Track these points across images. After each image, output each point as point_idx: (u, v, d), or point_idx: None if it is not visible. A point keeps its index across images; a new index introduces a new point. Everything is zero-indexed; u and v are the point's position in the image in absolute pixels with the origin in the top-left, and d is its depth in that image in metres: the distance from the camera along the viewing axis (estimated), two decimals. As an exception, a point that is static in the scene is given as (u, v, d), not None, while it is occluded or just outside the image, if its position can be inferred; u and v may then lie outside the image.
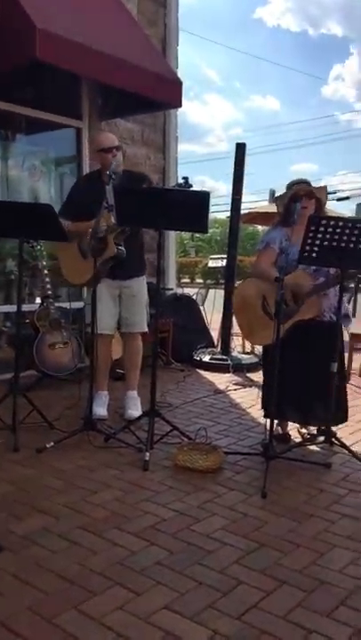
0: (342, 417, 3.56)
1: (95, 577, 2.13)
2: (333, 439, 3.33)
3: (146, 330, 4.12)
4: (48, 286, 4.76)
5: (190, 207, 3.27)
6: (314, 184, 3.59)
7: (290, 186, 3.56)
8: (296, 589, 2.09)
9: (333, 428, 3.36)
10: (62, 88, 5.44)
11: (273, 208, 8.65)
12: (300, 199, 3.39)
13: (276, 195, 4.39)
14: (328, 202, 3.81)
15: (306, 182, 3.55)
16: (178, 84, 5.16)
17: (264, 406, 3.66)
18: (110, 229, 3.73)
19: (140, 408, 4.04)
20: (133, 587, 2.07)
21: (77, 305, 5.49)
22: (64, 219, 3.96)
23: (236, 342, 6.46)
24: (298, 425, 3.79)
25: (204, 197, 3.28)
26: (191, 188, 3.48)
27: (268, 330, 3.42)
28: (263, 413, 3.70)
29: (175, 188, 3.52)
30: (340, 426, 3.87)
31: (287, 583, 2.13)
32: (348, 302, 7.37)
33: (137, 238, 3.95)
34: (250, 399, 4.70)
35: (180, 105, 5.30)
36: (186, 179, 3.57)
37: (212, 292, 7.94)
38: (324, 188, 3.67)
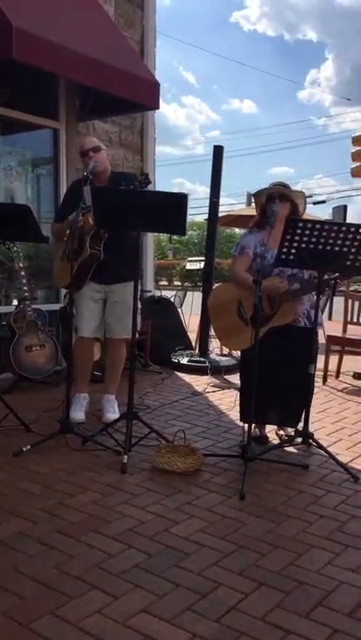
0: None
1: (72, 581, 2.10)
2: (311, 440, 3.35)
3: (129, 337, 3.78)
4: (25, 288, 4.71)
5: (168, 209, 3.26)
6: (292, 188, 3.60)
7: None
8: (275, 590, 2.10)
9: (311, 430, 3.37)
10: (39, 88, 5.40)
11: (250, 211, 8.69)
12: (274, 201, 3.41)
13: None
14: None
15: (283, 185, 3.57)
16: (155, 86, 5.15)
17: (241, 411, 3.67)
18: (87, 231, 3.71)
19: (117, 411, 4.01)
20: (111, 590, 2.05)
21: (54, 307, 5.46)
22: (59, 223, 3.94)
23: (214, 344, 6.46)
24: (276, 427, 3.80)
25: (181, 199, 3.27)
26: (149, 184, 3.47)
27: (243, 335, 3.43)
28: (240, 418, 3.70)
29: (154, 190, 3.50)
30: (317, 427, 3.91)
31: (266, 584, 2.13)
32: (325, 305, 7.44)
33: (126, 242, 3.75)
34: (228, 401, 4.71)
35: (157, 107, 5.29)
36: (145, 175, 3.57)
37: (189, 294, 7.94)
38: (302, 193, 3.69)
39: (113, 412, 3.99)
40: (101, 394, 4.15)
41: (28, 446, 3.33)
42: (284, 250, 3.12)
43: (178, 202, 3.25)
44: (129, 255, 3.66)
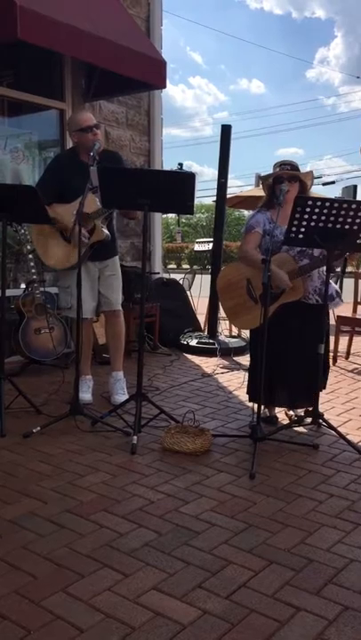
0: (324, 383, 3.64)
1: (83, 559, 2.12)
2: (321, 421, 3.34)
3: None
4: (33, 271, 4.71)
5: (177, 188, 3.23)
6: (300, 168, 3.56)
7: (276, 166, 3.54)
8: (285, 568, 2.10)
9: (321, 410, 3.36)
10: (44, 69, 5.36)
11: (258, 192, 8.63)
12: (283, 182, 3.37)
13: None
14: (314, 187, 3.80)
15: (291, 164, 3.53)
16: (162, 64, 5.09)
17: (249, 391, 3.66)
18: (97, 213, 3.70)
19: (126, 391, 4.02)
20: (122, 568, 2.06)
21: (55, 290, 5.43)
22: (54, 203, 3.90)
23: (223, 326, 6.46)
24: (285, 407, 3.79)
25: (189, 178, 3.24)
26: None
27: (253, 313, 3.41)
28: (248, 398, 3.70)
29: (161, 169, 3.48)
30: (327, 407, 3.89)
31: (276, 562, 2.13)
32: (335, 284, 7.38)
33: (111, 219, 3.99)
34: (237, 382, 4.71)
35: (164, 85, 5.23)
36: (181, 165, 3.56)
37: (198, 276, 7.92)
38: (311, 172, 3.66)
39: (122, 394, 3.98)
40: (109, 373, 4.14)
41: (38, 428, 3.35)
42: (293, 228, 3.09)
43: (185, 181, 3.22)
44: (113, 230, 3.99)
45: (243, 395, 4.28)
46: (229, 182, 6.17)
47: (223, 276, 3.76)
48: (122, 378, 4.09)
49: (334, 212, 3.02)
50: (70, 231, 3.79)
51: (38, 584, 1.96)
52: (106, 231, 3.79)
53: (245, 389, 3.77)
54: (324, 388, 3.66)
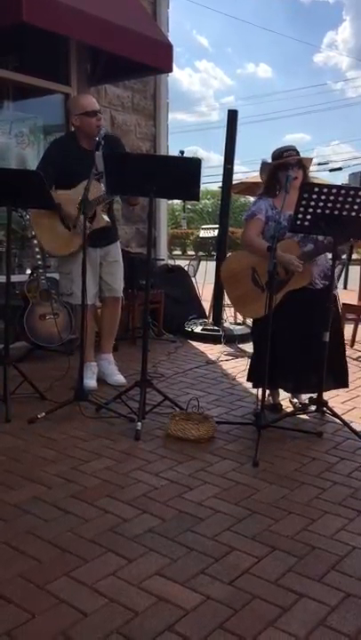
0: (345, 380, 3.60)
1: (87, 544, 2.13)
2: (325, 408, 3.34)
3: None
4: (38, 257, 4.70)
5: (182, 174, 3.21)
6: (305, 154, 3.56)
7: (278, 153, 3.48)
8: (287, 555, 2.11)
9: (326, 397, 3.36)
10: (49, 53, 5.31)
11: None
12: (291, 168, 3.34)
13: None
14: (321, 172, 3.80)
15: (294, 149, 3.49)
16: (168, 48, 5.04)
17: (251, 377, 3.65)
18: (99, 200, 3.69)
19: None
20: (125, 553, 2.08)
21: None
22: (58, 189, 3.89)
23: (228, 313, 6.44)
24: (289, 395, 3.79)
25: (195, 164, 3.22)
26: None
27: (260, 302, 3.39)
28: (252, 384, 3.69)
29: (167, 155, 3.47)
30: (331, 395, 3.89)
31: (279, 549, 2.14)
32: (341, 272, 7.35)
33: (112, 204, 4.03)
34: (241, 369, 4.70)
35: (170, 69, 5.19)
36: (182, 153, 3.55)
37: (203, 263, 7.90)
38: (310, 159, 3.66)
39: (119, 374, 4.09)
40: (99, 354, 4.22)
41: (43, 413, 3.36)
42: (300, 215, 3.07)
43: (192, 167, 3.20)
44: (114, 216, 4.05)
45: (247, 382, 4.27)
46: (235, 168, 6.13)
47: (227, 266, 3.74)
48: (112, 359, 4.22)
49: (341, 198, 3.00)
50: (73, 218, 3.77)
51: (43, 568, 1.98)
52: (106, 218, 3.79)
53: (247, 377, 3.75)
54: (347, 385, 3.66)
